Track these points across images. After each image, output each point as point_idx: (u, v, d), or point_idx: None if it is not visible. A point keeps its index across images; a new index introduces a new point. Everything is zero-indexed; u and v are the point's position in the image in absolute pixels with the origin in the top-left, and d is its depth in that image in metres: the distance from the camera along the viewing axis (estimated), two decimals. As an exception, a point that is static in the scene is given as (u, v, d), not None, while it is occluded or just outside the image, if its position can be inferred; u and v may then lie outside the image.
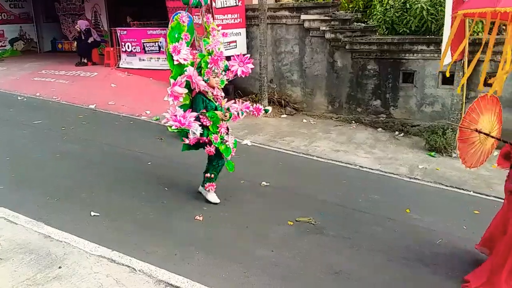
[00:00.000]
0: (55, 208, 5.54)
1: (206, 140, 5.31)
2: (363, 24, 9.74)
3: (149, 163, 7.18)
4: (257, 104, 5.77)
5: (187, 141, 5.30)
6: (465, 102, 8.13)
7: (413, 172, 7.25)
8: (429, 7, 8.64)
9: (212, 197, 5.72)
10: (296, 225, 5.32)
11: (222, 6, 10.31)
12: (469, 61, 7.93)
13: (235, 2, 10.50)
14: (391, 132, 9.40)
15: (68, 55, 16.47)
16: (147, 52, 13.32)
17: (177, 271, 4.29)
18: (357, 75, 9.84)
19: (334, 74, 10.17)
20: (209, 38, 5.34)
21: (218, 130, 5.36)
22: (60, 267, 4.23)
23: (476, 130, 4.32)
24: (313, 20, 10.06)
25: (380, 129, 9.58)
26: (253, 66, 5.34)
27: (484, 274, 4.14)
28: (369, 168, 7.47)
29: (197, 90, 5.27)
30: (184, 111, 5.18)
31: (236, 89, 11.54)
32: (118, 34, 13.76)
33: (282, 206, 5.81)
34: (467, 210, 5.88)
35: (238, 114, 5.54)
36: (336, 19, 9.74)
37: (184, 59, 5.21)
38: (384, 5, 9.46)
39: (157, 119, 9.74)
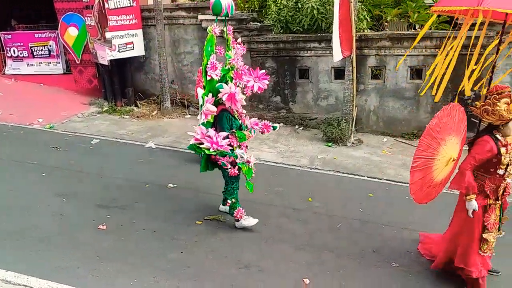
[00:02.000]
0: None
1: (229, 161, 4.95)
2: (259, 24, 9.99)
3: (44, 174, 6.71)
4: (265, 120, 5.46)
5: (229, 168, 4.94)
6: (356, 95, 8.75)
7: (313, 163, 7.64)
8: (319, 7, 9.12)
9: (249, 221, 5.23)
10: (206, 224, 5.34)
11: (116, 7, 9.94)
12: (357, 56, 8.57)
13: (129, 3, 10.18)
14: (292, 126, 9.79)
15: None
16: (36, 56, 12.44)
17: (81, 285, 4.09)
18: (256, 73, 10.08)
19: (235, 72, 10.32)
20: (230, 51, 5.07)
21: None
22: None
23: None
24: (211, 20, 10.11)
25: (281, 124, 9.91)
26: (268, 82, 4.97)
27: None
28: (273, 162, 7.72)
29: (232, 107, 4.89)
30: (207, 129, 4.82)
31: (136, 91, 11.23)
32: (2, 39, 12.66)
33: (191, 207, 5.78)
34: (362, 194, 6.32)
35: (250, 132, 5.28)
36: (233, 18, 9.89)
37: (216, 75, 4.86)
38: (278, 5, 9.80)
39: (51, 127, 9.13)
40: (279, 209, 5.79)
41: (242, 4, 10.75)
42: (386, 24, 9.77)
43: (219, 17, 5.11)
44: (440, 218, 5.62)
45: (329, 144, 8.55)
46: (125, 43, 10.30)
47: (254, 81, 4.88)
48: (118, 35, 10.10)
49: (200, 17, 10.17)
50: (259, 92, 4.94)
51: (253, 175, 5.08)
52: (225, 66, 5.04)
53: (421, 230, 5.22)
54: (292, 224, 5.40)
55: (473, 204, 3.88)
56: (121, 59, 10.49)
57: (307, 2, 9.24)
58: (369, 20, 9.42)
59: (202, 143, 4.70)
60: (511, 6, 3.64)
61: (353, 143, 8.60)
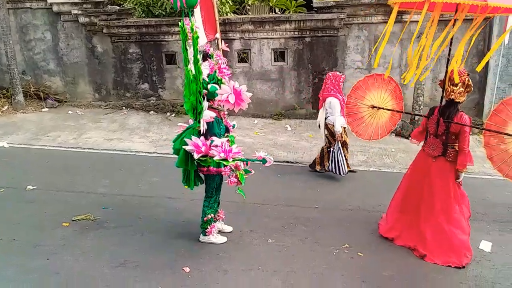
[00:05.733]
0: None
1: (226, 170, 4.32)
2: (117, 7, 9.44)
3: None
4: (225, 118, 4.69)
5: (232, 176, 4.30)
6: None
7: (188, 149, 7.53)
8: (180, -11, 8.90)
9: (220, 238, 4.69)
10: (74, 225, 4.93)
11: None
12: (223, 40, 8.59)
13: (-39, -17, 8.83)
14: (163, 114, 9.54)
15: None
16: None
17: None
18: (120, 59, 9.57)
19: (96, 60, 9.67)
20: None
21: None
22: None
23: (373, 106, 4.82)
24: (63, 3, 9.27)
25: (152, 112, 9.61)
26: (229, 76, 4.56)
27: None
28: (146, 152, 7.46)
29: (235, 110, 4.31)
30: (198, 137, 4.16)
31: (-21, 85, 9.89)
32: None
33: (55, 208, 5.29)
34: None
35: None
36: (88, 1, 9.19)
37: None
38: (137, -13, 9.37)
39: None
40: (154, 200, 5.60)
41: (98, -14, 10.03)
42: (249, 8, 9.98)
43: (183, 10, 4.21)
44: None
45: (201, 129, 8.50)
46: (-41, 30, 8.95)
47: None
48: (-50, 21, 8.73)
49: (50, 0, 9.25)
50: None
51: (245, 178, 4.47)
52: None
53: (294, 204, 5.50)
54: (168, 214, 5.26)
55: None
56: (-43, 48, 9.11)
57: (167, -16, 8.98)
58: (231, 4, 9.51)
59: (206, 156, 4.12)
60: None
61: (225, 126, 8.68)
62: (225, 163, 4.08)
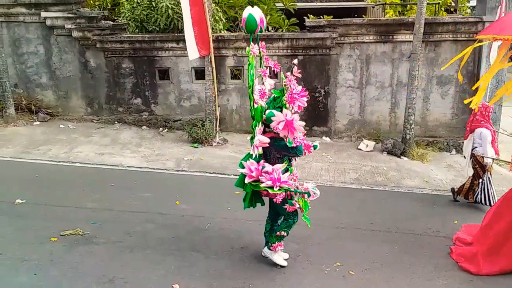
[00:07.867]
0: None
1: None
2: (111, 22, 9.48)
3: None
4: (304, 140, 4.34)
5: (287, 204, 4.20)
6: (218, 95, 8.83)
7: (180, 165, 7.51)
8: (173, 6, 8.99)
9: (281, 259, 4.60)
10: (62, 240, 4.85)
11: None
12: (216, 56, 8.65)
13: (-45, -4, 8.83)
14: (156, 129, 9.53)
15: None
16: None
17: None
18: (113, 74, 9.58)
19: (89, 74, 9.67)
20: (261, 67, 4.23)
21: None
22: None
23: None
24: (56, 17, 9.30)
25: (144, 127, 9.59)
26: (307, 99, 4.16)
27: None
28: (137, 167, 7.41)
29: (289, 137, 4.07)
30: (257, 162, 4.13)
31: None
32: None
33: (44, 223, 5.21)
34: (229, 193, 6.37)
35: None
36: (82, 16, 9.23)
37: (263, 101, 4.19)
38: (132, 3, 9.42)
39: None
40: (144, 215, 5.54)
41: (92, 2, 10.11)
42: (242, 25, 10.08)
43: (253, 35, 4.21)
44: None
45: (195, 145, 8.51)
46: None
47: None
48: None
49: (44, 14, 9.29)
50: (298, 111, 4.16)
51: (309, 207, 4.34)
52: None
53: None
54: (159, 230, 5.20)
55: None
56: None
57: (161, 1, 9.05)
58: (225, 22, 9.60)
59: (258, 181, 4.10)
60: None
61: (218, 142, 8.69)
62: (270, 190, 4.06)
